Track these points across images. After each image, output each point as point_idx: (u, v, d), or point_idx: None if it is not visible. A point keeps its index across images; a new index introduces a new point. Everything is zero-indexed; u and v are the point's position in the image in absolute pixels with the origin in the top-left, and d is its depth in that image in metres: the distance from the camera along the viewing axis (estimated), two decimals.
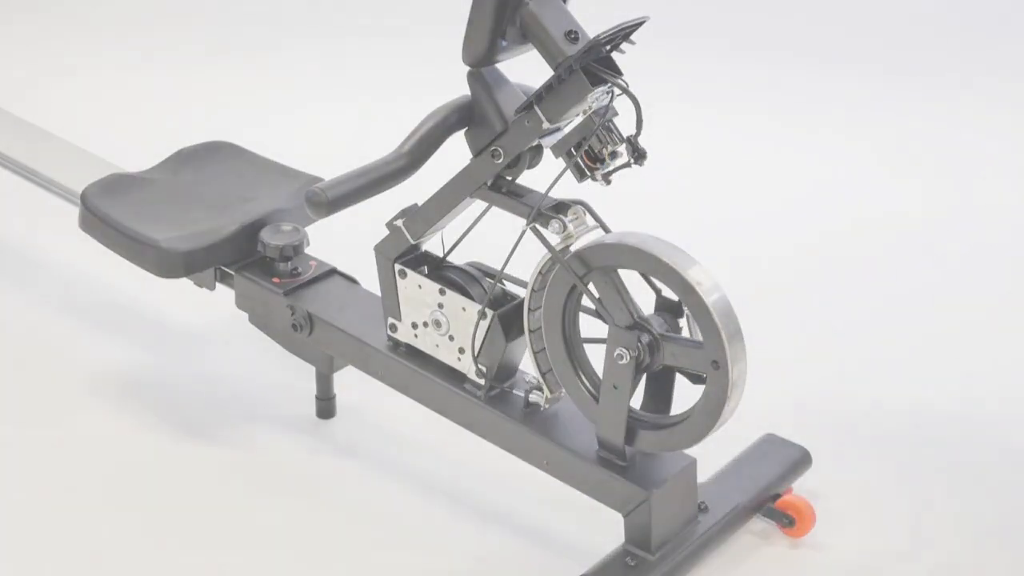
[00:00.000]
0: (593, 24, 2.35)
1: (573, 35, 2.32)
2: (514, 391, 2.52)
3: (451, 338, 2.51)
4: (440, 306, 2.51)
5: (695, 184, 3.82)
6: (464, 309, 2.48)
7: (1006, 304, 3.31)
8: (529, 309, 2.41)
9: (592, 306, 2.36)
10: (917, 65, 4.49)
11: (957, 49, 4.57)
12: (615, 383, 2.34)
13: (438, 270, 2.54)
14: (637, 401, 2.40)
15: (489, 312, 2.45)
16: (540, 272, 2.39)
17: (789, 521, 2.54)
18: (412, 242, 2.51)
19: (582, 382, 2.41)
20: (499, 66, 2.42)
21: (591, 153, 2.29)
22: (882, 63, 4.51)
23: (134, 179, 2.96)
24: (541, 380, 2.46)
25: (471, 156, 2.43)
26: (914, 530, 2.61)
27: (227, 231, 2.76)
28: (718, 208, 3.71)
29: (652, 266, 2.27)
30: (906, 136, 4.11)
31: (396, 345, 2.60)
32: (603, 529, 2.49)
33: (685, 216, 3.58)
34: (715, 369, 2.24)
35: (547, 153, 2.38)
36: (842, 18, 4.77)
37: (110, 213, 2.82)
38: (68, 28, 4.71)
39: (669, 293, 2.35)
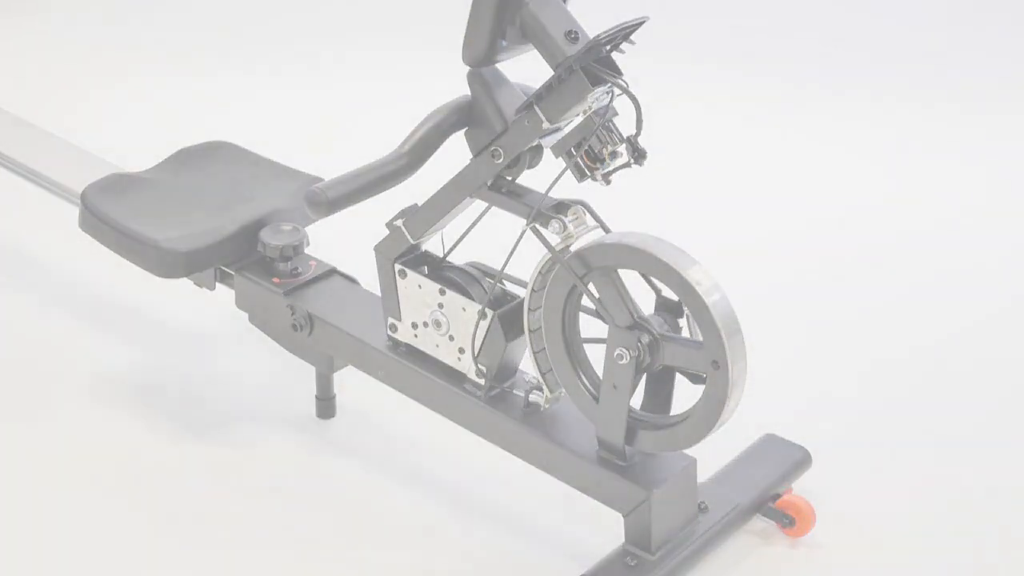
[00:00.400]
0: (593, 24, 2.35)
1: (573, 35, 2.32)
2: (514, 391, 2.52)
3: (451, 338, 2.52)
4: (440, 306, 2.51)
5: (695, 184, 3.82)
6: (464, 309, 2.48)
7: (1008, 304, 3.31)
8: (529, 309, 2.42)
9: (592, 306, 2.36)
10: (914, 64, 4.48)
11: (953, 47, 4.57)
12: (615, 383, 2.34)
13: (438, 270, 2.54)
14: (637, 401, 2.40)
15: (489, 312, 2.45)
16: (540, 272, 2.39)
17: (789, 521, 2.54)
18: (412, 242, 2.51)
19: (582, 382, 2.40)
20: (499, 66, 2.42)
21: (591, 153, 2.29)
22: (882, 64, 4.51)
23: (134, 179, 2.96)
24: (541, 380, 2.46)
25: (471, 156, 2.43)
26: (914, 530, 2.61)
27: (227, 231, 2.76)
28: (718, 208, 3.71)
29: (652, 266, 2.27)
30: (907, 136, 4.10)
31: (396, 345, 2.60)
32: (603, 529, 2.49)
33: (685, 216, 3.58)
34: (715, 369, 2.24)
35: (547, 153, 2.38)
36: (845, 18, 4.77)
37: (110, 213, 2.82)
38: (68, 28, 4.71)
39: (669, 293, 2.35)
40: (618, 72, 2.28)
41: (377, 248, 2.55)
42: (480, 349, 2.48)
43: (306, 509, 2.64)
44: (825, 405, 2.93)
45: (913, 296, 3.33)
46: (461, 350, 2.51)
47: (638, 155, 2.30)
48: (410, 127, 2.45)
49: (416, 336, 2.56)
